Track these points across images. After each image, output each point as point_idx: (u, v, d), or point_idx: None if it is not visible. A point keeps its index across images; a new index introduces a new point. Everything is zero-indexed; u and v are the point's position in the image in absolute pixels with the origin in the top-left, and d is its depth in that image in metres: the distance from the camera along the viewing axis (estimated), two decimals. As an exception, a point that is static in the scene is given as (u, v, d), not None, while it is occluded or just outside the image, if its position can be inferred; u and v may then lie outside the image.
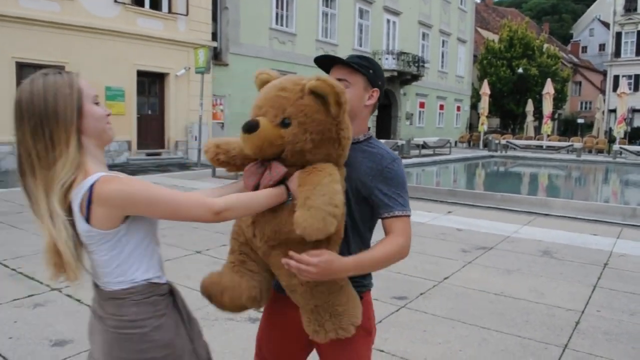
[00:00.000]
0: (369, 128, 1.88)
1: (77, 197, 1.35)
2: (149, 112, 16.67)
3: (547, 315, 4.06)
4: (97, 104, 1.45)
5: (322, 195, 1.48)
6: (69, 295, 4.17)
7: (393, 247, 1.66)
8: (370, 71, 1.77)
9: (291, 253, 1.52)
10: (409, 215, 1.71)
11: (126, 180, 1.38)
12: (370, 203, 1.73)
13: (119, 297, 1.44)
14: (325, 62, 1.82)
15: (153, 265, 1.50)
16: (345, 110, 1.58)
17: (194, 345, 1.56)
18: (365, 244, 1.80)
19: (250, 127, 1.55)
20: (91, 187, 1.33)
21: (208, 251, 5.69)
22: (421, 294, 4.51)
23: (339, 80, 1.68)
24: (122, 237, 1.41)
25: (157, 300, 1.48)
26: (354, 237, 1.76)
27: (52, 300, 4.07)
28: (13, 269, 4.81)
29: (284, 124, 1.55)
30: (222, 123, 18.71)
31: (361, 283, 1.80)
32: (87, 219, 1.36)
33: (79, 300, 4.05)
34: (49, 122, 1.35)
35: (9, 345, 3.27)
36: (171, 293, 1.58)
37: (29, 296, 4.14)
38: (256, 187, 1.60)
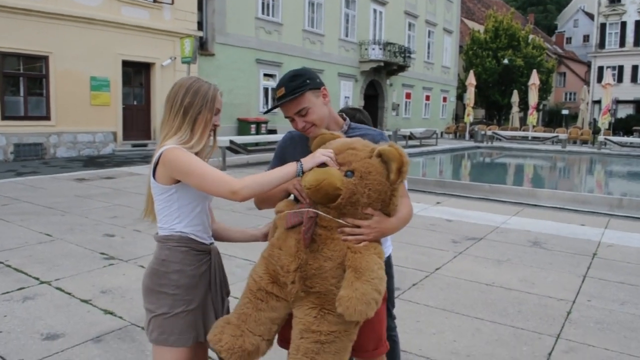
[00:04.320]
0: (342, 116, 2.10)
1: (155, 157, 1.82)
2: (135, 103, 16.42)
3: (539, 305, 4.10)
4: (216, 114, 1.91)
5: (372, 279, 1.58)
6: (59, 289, 4.11)
7: (407, 206, 1.95)
8: (307, 81, 1.91)
9: (349, 220, 1.69)
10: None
11: (179, 152, 1.76)
12: None
13: (161, 241, 1.89)
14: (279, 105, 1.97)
15: (195, 225, 1.88)
16: (403, 179, 1.70)
17: (206, 301, 1.90)
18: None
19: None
20: (162, 152, 1.79)
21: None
22: (413, 284, 4.52)
23: (297, 112, 1.90)
24: (173, 194, 1.83)
25: (189, 251, 1.86)
26: None
27: (41, 293, 4.01)
28: (0, 262, 4.73)
29: (347, 175, 1.67)
30: (209, 113, 18.54)
31: None
32: (154, 174, 1.83)
33: (69, 294, 4.00)
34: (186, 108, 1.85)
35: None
36: (211, 255, 1.94)
37: (18, 289, 4.07)
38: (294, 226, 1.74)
